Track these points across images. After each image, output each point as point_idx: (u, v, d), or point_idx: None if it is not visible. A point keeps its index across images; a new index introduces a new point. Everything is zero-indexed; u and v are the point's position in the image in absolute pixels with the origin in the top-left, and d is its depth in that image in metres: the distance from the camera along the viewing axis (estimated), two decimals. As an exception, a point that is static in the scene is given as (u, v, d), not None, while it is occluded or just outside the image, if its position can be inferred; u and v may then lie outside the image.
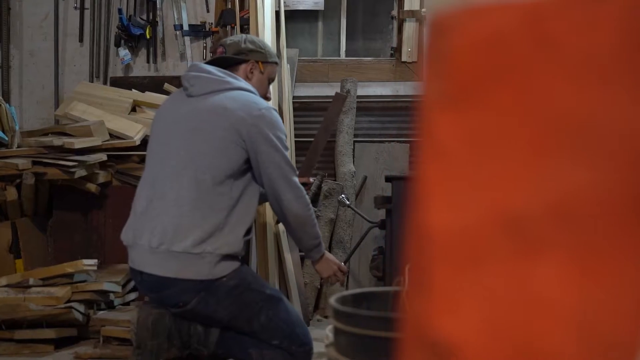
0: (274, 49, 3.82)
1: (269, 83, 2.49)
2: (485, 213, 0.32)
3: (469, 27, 0.34)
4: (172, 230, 2.09)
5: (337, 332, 1.21)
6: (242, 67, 2.38)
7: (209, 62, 2.40)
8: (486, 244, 0.32)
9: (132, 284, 3.25)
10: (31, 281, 2.89)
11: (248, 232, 2.25)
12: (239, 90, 2.26)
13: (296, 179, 2.28)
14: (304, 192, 2.32)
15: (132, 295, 3.25)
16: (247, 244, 2.43)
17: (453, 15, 0.35)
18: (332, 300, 1.26)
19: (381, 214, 3.30)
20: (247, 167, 2.23)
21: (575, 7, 0.31)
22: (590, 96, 0.31)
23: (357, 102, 4.09)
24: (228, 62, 2.37)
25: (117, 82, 4.25)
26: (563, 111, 0.31)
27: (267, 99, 2.49)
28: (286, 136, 2.31)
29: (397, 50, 4.31)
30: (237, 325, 2.19)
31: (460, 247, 0.32)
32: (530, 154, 0.31)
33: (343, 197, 3.50)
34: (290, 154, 3.84)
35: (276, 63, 2.51)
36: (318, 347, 2.41)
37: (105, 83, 4.28)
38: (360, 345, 1.13)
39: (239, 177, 2.20)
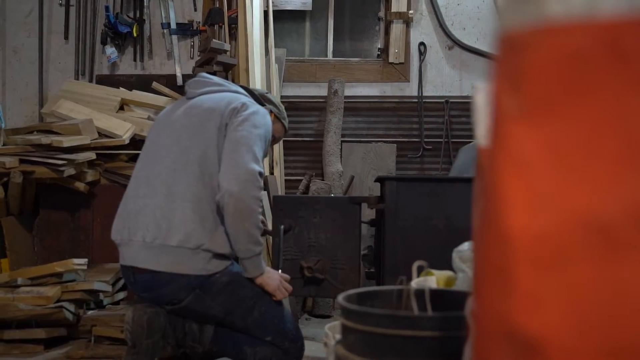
0: (262, 49, 3.84)
1: (272, 142, 2.52)
2: (567, 218, 0.34)
3: (546, 44, 0.37)
4: (165, 225, 2.11)
5: (346, 330, 1.23)
6: None
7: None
8: (570, 247, 0.34)
9: (121, 283, 3.23)
10: (19, 281, 2.86)
11: None
12: (232, 93, 2.31)
13: (256, 166, 2.10)
14: (260, 182, 2.11)
15: (121, 295, 3.24)
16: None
17: (527, 33, 0.38)
18: (340, 298, 1.28)
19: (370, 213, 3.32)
20: None
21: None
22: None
23: (345, 102, 4.12)
24: (250, 96, 2.44)
25: (103, 80, 4.22)
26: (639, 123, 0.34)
27: (265, 154, 2.57)
28: (267, 140, 2.25)
29: (384, 52, 4.34)
30: (231, 321, 2.21)
31: (542, 249, 0.35)
32: (609, 163, 0.34)
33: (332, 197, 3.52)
34: (280, 154, 3.85)
35: (285, 128, 2.59)
36: (307, 345, 2.42)
37: (91, 81, 4.25)
38: (371, 342, 1.15)
39: None
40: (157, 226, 2.12)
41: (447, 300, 1.35)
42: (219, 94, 2.30)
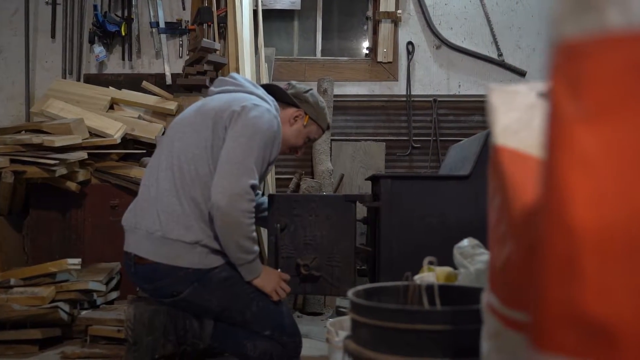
0: (252, 48, 3.85)
1: (306, 141, 2.51)
2: (630, 212, 0.38)
3: (606, 53, 0.40)
4: (165, 218, 2.15)
5: (357, 325, 1.26)
6: (291, 110, 2.45)
7: (266, 84, 2.48)
8: (634, 239, 0.37)
9: (113, 282, 3.24)
10: (12, 281, 2.85)
11: None
12: (245, 94, 2.30)
13: (248, 180, 2.10)
14: (251, 195, 2.10)
15: (114, 294, 3.24)
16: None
17: (588, 42, 0.41)
18: (351, 294, 1.31)
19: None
20: None
21: None
22: None
23: (334, 101, 4.15)
24: (282, 98, 2.44)
25: (91, 80, 4.21)
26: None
27: (297, 154, 2.54)
28: (269, 145, 2.19)
29: (373, 51, 4.38)
30: (230, 315, 2.23)
31: (608, 241, 0.38)
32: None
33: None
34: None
35: (323, 129, 2.52)
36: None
37: (78, 80, 4.22)
38: (384, 337, 1.18)
39: None
40: (159, 218, 2.16)
41: (452, 295, 1.39)
42: (232, 94, 2.30)
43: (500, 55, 4.27)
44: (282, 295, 2.29)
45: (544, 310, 0.41)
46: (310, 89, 2.52)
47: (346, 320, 2.07)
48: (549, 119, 0.44)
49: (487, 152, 2.55)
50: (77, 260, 2.90)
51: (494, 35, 4.28)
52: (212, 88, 2.40)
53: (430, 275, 1.75)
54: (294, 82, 2.55)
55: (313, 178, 4.03)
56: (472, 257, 1.68)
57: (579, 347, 0.39)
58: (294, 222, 2.61)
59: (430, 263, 1.33)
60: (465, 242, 1.73)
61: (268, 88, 2.46)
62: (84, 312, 2.88)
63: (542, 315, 0.42)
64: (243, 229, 2.11)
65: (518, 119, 0.95)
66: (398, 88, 4.29)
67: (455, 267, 1.75)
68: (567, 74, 0.43)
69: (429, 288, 1.35)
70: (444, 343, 1.14)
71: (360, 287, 1.39)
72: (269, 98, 2.35)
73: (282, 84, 2.53)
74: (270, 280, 2.26)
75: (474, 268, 1.64)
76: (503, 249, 0.88)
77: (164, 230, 2.13)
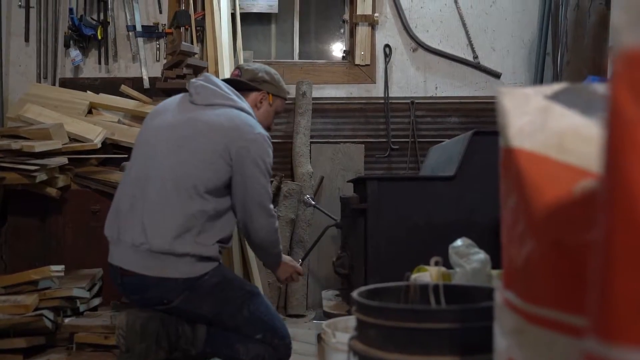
0: (231, 51, 3.85)
1: (275, 116, 2.61)
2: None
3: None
4: (152, 232, 2.13)
5: (364, 325, 1.28)
6: (253, 95, 2.50)
7: (224, 80, 2.48)
8: None
9: (96, 289, 3.20)
10: (-7, 290, 2.80)
11: (226, 241, 2.29)
12: (240, 111, 2.32)
13: (271, 207, 2.34)
14: (276, 220, 2.38)
15: (97, 301, 3.20)
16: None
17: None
18: (356, 295, 1.33)
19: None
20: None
21: None
22: None
23: (313, 104, 4.17)
24: (241, 86, 2.45)
25: (66, 84, 4.14)
26: None
27: (270, 130, 2.59)
28: (270, 163, 2.34)
29: (350, 54, 4.41)
30: (221, 320, 2.24)
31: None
32: None
33: (308, 198, 3.57)
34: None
35: (285, 98, 2.62)
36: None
37: (54, 84, 4.16)
38: (393, 337, 1.21)
39: (224, 193, 2.25)
40: (144, 231, 2.13)
41: (453, 294, 1.41)
42: (227, 110, 2.29)
43: (475, 57, 4.34)
44: (295, 280, 2.64)
45: (614, 304, 0.44)
46: (259, 65, 2.61)
47: (341, 321, 2.09)
48: (610, 121, 0.47)
49: (471, 153, 2.60)
50: (61, 267, 2.86)
51: (469, 38, 4.35)
52: (199, 96, 2.32)
53: (424, 275, 1.78)
54: (243, 65, 2.60)
55: (293, 181, 4.04)
56: (468, 257, 1.71)
57: (654, 337, 0.41)
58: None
59: (437, 263, 1.35)
60: (459, 242, 1.77)
61: (230, 84, 2.44)
62: (67, 320, 2.84)
63: (611, 309, 0.44)
64: (277, 243, 2.42)
65: (531, 121, 0.98)
66: (376, 90, 4.33)
67: (448, 267, 1.78)
68: (630, 80, 0.45)
69: (435, 287, 1.38)
70: (453, 341, 1.17)
71: (363, 288, 1.42)
72: (244, 102, 2.39)
73: (234, 71, 2.58)
74: (286, 271, 2.56)
75: (470, 267, 1.68)
76: (522, 247, 0.90)
77: (150, 244, 2.11)
